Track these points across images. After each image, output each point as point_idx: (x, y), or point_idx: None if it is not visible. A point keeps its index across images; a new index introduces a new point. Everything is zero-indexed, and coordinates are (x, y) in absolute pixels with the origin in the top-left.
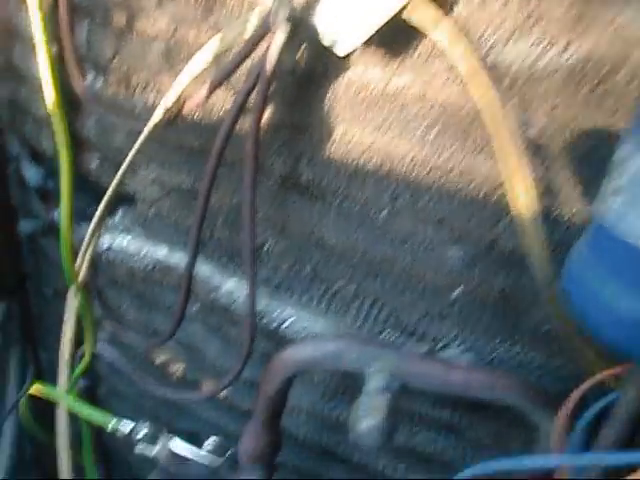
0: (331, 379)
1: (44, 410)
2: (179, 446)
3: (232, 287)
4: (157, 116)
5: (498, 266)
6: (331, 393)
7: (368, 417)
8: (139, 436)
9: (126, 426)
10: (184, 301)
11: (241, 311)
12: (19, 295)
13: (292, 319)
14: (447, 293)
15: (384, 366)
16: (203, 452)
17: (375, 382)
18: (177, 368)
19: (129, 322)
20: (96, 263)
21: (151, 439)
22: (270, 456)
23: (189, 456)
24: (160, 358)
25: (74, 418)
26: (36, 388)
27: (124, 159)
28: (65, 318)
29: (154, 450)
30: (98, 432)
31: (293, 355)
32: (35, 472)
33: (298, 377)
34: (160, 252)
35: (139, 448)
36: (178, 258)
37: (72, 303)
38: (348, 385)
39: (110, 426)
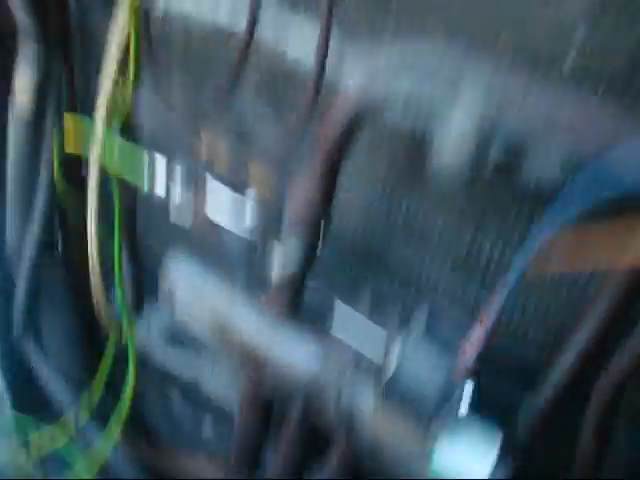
0: (394, 159)
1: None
2: (217, 189)
3: (298, 46)
4: None
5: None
6: (391, 182)
7: (455, 146)
8: (175, 177)
9: (161, 163)
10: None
11: (304, 75)
12: (64, 50)
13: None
14: (557, 63)
15: (474, 85)
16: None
17: (463, 105)
18: (221, 152)
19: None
20: (151, 23)
21: (187, 183)
22: (319, 220)
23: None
24: (207, 137)
25: (105, 185)
26: (69, 118)
27: None
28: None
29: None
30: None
31: (358, 92)
32: (61, 265)
33: (355, 157)
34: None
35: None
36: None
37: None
38: (411, 174)
39: (144, 163)
